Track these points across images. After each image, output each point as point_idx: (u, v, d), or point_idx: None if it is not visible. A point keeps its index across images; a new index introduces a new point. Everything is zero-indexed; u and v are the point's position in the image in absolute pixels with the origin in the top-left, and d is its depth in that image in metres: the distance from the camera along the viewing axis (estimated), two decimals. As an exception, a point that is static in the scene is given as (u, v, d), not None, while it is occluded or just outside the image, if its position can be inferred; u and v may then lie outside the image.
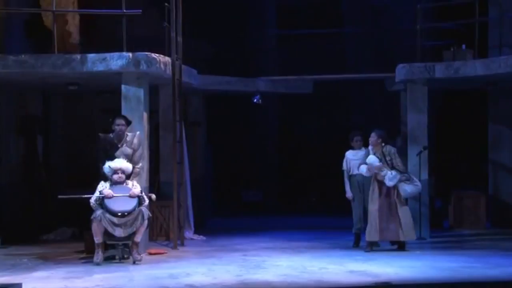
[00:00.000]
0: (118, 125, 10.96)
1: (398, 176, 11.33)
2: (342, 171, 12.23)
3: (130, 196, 10.57)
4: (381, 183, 11.44)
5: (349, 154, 12.12)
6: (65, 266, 10.41)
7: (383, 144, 11.53)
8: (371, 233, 11.42)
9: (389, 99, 16.37)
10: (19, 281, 8.59)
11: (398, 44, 17.33)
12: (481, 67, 12.62)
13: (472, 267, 10.05)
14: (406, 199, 11.54)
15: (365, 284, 8.90)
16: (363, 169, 11.52)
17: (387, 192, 11.42)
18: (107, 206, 10.46)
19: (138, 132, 11.15)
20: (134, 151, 11.03)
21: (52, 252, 11.67)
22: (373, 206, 11.43)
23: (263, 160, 19.18)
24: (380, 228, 11.36)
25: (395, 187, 11.35)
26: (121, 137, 11.00)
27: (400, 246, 11.52)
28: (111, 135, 11.05)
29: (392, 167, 11.38)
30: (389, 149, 11.51)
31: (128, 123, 11.04)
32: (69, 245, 12.36)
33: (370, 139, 11.56)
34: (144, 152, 11.39)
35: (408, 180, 11.43)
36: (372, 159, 11.44)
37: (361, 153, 11.87)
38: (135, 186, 10.75)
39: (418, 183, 11.59)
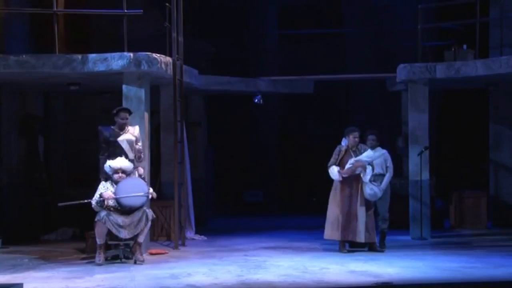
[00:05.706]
0: (123, 118, 11.08)
1: (372, 172, 11.28)
2: None
3: (138, 174, 10.86)
4: (344, 184, 11.37)
5: None
6: (66, 266, 10.41)
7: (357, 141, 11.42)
8: (333, 232, 11.41)
9: (390, 99, 16.38)
10: (20, 281, 8.60)
11: (399, 44, 17.34)
12: (482, 67, 12.62)
13: (473, 267, 10.04)
14: (373, 204, 11.46)
15: (366, 284, 8.89)
16: (335, 171, 11.39)
17: (350, 193, 11.36)
18: (117, 194, 10.41)
19: (136, 126, 11.24)
20: (137, 139, 11.14)
21: (53, 252, 11.67)
22: (335, 206, 11.40)
23: (263, 160, 19.16)
24: (343, 227, 11.32)
25: (360, 187, 11.28)
26: (123, 128, 11.08)
27: (371, 247, 11.46)
28: (112, 127, 11.12)
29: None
30: (364, 147, 11.42)
31: (130, 114, 11.20)
32: (70, 245, 12.37)
33: (354, 139, 11.38)
34: (145, 150, 11.40)
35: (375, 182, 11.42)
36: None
37: (375, 152, 11.70)
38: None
39: (381, 187, 11.47)
